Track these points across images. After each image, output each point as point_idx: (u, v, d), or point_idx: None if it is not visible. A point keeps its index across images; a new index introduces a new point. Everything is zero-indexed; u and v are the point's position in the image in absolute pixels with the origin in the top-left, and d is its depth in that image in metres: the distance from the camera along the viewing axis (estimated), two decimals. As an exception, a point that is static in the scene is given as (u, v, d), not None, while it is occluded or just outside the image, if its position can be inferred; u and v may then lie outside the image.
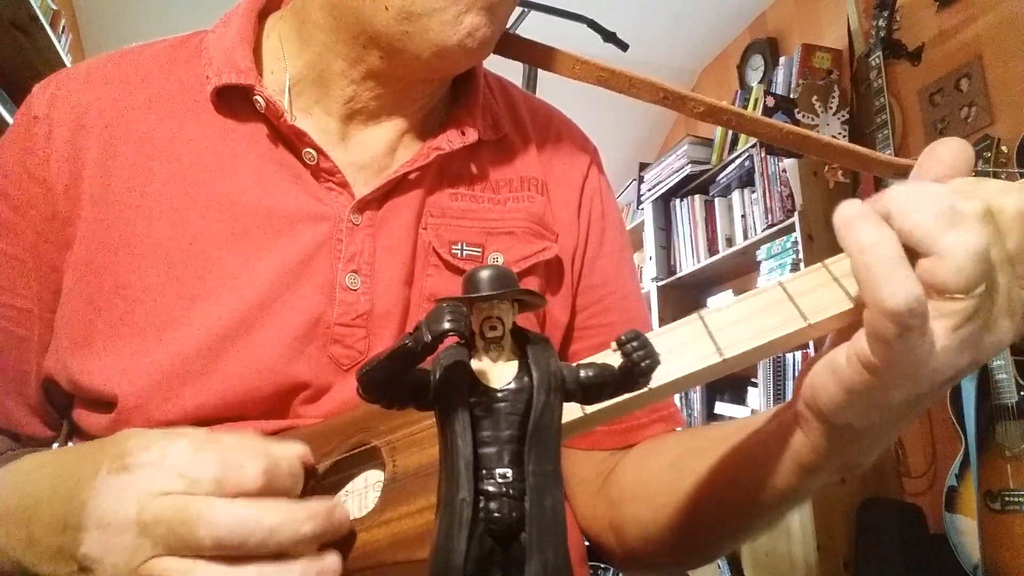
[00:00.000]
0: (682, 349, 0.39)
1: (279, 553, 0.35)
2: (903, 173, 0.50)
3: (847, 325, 0.38)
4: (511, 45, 0.60)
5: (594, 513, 0.62)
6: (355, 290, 0.53)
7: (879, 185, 2.21)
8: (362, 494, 0.45)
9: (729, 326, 0.39)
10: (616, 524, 0.59)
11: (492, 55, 0.58)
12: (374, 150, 0.58)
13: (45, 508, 0.39)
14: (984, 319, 0.34)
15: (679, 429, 0.65)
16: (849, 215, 0.34)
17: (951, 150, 0.37)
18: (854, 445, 0.40)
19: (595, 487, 0.62)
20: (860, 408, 0.36)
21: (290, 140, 0.55)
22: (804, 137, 0.54)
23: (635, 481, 0.58)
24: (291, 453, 0.39)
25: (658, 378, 0.37)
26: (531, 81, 1.73)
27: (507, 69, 0.71)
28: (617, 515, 0.59)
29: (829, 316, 0.37)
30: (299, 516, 0.35)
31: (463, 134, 0.58)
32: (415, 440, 0.44)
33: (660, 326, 0.42)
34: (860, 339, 0.34)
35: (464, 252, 0.57)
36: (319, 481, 0.45)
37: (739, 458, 0.48)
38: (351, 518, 0.43)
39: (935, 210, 0.33)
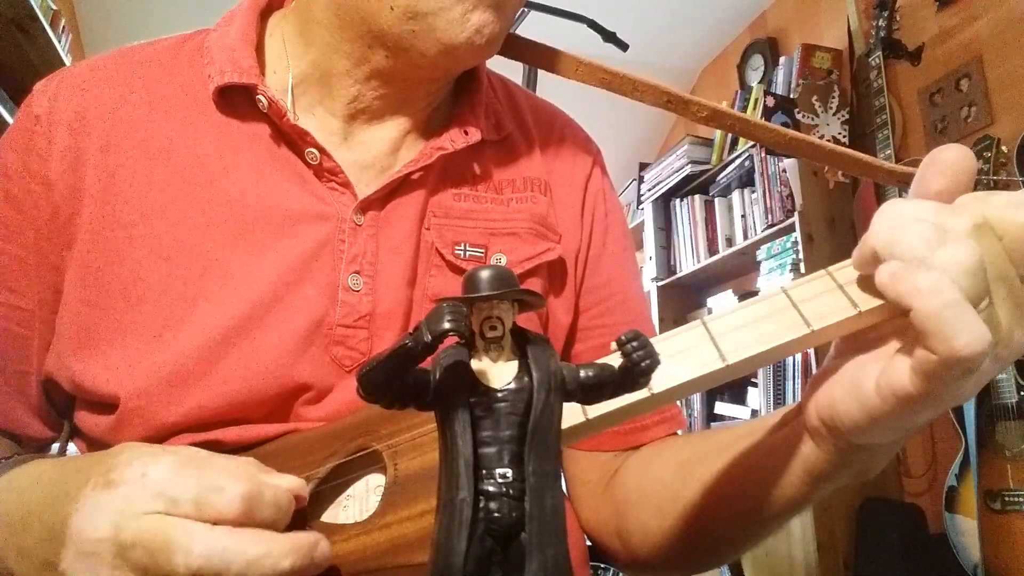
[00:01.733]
0: (685, 354, 0.39)
1: None
2: (906, 182, 0.50)
3: (850, 332, 0.38)
4: (514, 45, 0.60)
5: (598, 517, 0.62)
6: (357, 291, 0.53)
7: (879, 185, 2.21)
8: (363, 498, 0.45)
9: (732, 331, 0.39)
10: (620, 529, 0.59)
11: (494, 55, 0.58)
12: (377, 149, 0.58)
13: (37, 519, 0.39)
14: (997, 335, 0.33)
15: (681, 432, 0.65)
16: (893, 269, 0.33)
17: (952, 157, 0.37)
18: (868, 457, 0.40)
19: (599, 490, 0.62)
20: (885, 431, 0.36)
21: (292, 140, 0.55)
22: (808, 143, 0.54)
23: (640, 486, 0.58)
24: (280, 483, 0.38)
25: (661, 383, 0.38)
26: (531, 81, 1.73)
27: (507, 69, 0.71)
28: (621, 520, 0.59)
29: (833, 323, 0.37)
30: (280, 550, 0.34)
31: (466, 134, 0.58)
32: (417, 444, 0.44)
33: (660, 326, 0.42)
34: (895, 373, 0.34)
35: (467, 253, 0.57)
36: (320, 485, 0.45)
37: (746, 467, 0.48)
38: (352, 521, 0.43)
39: (918, 236, 0.33)
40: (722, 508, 0.50)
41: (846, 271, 0.38)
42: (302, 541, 0.35)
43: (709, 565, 0.58)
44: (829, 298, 0.38)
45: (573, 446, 0.63)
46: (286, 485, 0.38)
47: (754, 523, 0.49)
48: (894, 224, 0.34)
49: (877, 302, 0.36)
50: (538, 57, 0.60)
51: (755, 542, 0.52)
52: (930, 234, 0.33)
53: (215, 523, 0.34)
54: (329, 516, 0.45)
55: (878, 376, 0.35)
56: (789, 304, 0.38)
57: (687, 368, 0.38)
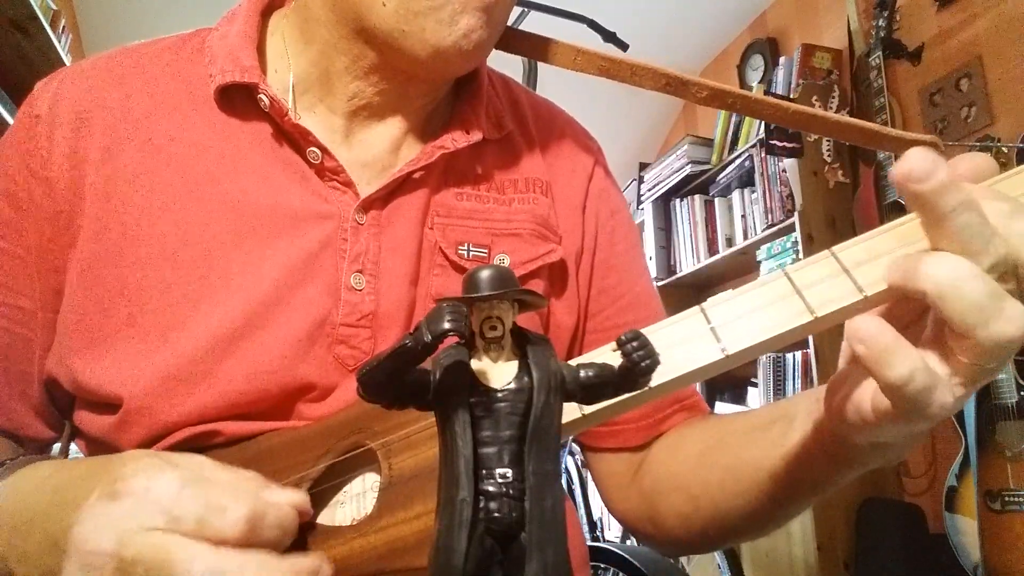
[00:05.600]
0: (684, 345, 0.38)
1: None
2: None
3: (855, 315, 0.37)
4: (511, 39, 0.59)
5: (627, 506, 0.63)
6: (360, 290, 0.53)
7: (879, 185, 2.21)
8: (360, 496, 0.45)
9: (733, 322, 0.38)
10: (653, 515, 0.60)
11: (492, 49, 0.58)
12: (378, 148, 0.58)
13: (40, 525, 0.39)
14: (1000, 367, 0.34)
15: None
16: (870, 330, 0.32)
17: (973, 166, 0.36)
18: (889, 452, 0.41)
19: (627, 479, 0.63)
20: (892, 436, 0.37)
21: (294, 139, 0.55)
22: (811, 115, 0.53)
23: (667, 473, 0.59)
24: (284, 502, 0.38)
25: (658, 375, 0.37)
26: (531, 78, 1.73)
27: (508, 66, 0.71)
28: (652, 506, 0.60)
29: (837, 309, 0.36)
30: (281, 574, 0.34)
31: (467, 133, 0.58)
32: (410, 442, 0.44)
33: (661, 325, 0.41)
34: (880, 395, 0.34)
35: (471, 253, 0.57)
36: (316, 484, 0.45)
37: (771, 454, 0.48)
38: (350, 521, 0.43)
39: (974, 301, 0.31)
40: (750, 493, 0.51)
41: (850, 252, 0.37)
42: (303, 566, 0.35)
43: (743, 538, 0.59)
44: (834, 282, 0.36)
45: (596, 446, 0.64)
46: (289, 501, 0.38)
47: (781, 504, 0.50)
48: (953, 276, 0.32)
49: (884, 286, 0.35)
50: (536, 49, 0.59)
51: (784, 519, 0.53)
52: (985, 301, 0.31)
53: (218, 543, 0.34)
54: (327, 516, 0.45)
55: (871, 397, 0.35)
56: (792, 291, 0.37)
57: (686, 360, 0.37)
